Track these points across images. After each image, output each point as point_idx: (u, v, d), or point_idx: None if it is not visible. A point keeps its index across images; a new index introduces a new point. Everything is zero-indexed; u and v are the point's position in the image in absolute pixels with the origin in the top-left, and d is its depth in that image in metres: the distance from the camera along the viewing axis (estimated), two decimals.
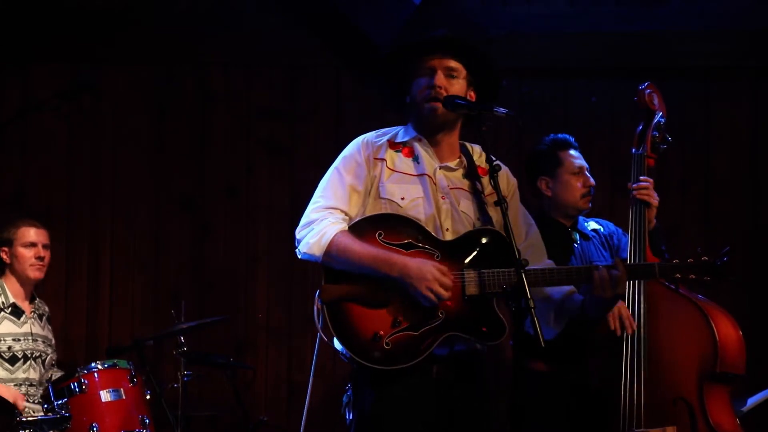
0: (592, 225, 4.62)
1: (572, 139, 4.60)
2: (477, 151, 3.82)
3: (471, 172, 3.74)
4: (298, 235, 3.60)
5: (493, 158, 3.57)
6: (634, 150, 4.34)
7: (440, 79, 3.63)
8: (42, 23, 6.27)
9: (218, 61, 6.41)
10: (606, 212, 4.87)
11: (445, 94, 3.63)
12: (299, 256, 3.61)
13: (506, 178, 3.78)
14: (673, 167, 5.99)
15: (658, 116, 4.36)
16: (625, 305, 4.11)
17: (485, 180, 3.74)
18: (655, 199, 4.25)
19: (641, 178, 4.28)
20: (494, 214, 3.69)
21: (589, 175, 4.54)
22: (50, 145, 6.36)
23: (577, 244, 4.49)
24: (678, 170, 6.07)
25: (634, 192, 4.25)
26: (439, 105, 3.63)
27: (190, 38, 6.36)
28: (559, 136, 4.61)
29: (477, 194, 3.71)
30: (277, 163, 6.34)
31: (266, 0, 6.40)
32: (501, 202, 3.48)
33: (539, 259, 3.69)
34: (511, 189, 3.77)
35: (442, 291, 3.45)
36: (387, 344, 3.46)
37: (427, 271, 3.45)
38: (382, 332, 3.47)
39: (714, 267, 3.66)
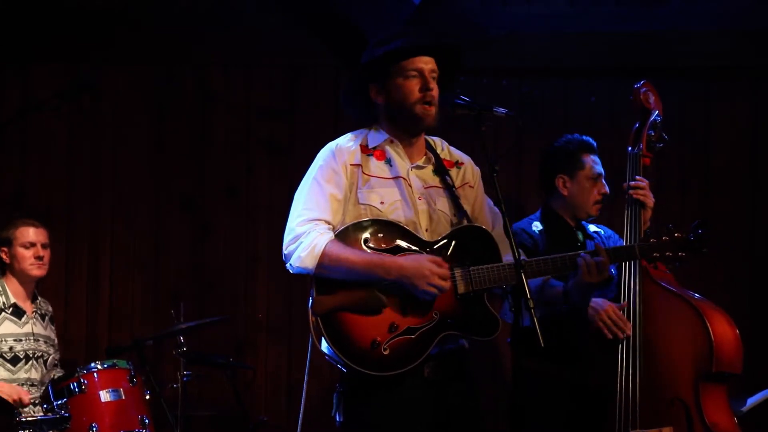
0: (592, 228, 4.63)
1: (595, 144, 4.59)
2: (439, 144, 3.84)
3: (439, 167, 3.76)
4: (286, 251, 3.59)
5: (494, 164, 3.56)
6: (629, 149, 4.34)
7: (432, 82, 3.64)
8: (42, 23, 6.27)
9: (218, 61, 6.41)
10: (605, 212, 4.86)
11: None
12: (291, 271, 3.59)
13: (471, 168, 3.82)
14: (672, 167, 5.99)
15: (654, 115, 4.36)
16: (614, 306, 4.10)
17: (453, 172, 3.78)
18: (650, 200, 4.24)
19: (637, 177, 4.27)
20: (468, 206, 3.73)
21: (604, 182, 4.53)
22: (50, 145, 6.36)
23: (579, 243, 4.49)
24: (678, 170, 6.07)
25: (630, 192, 4.25)
26: (434, 108, 3.64)
27: (190, 38, 6.36)
28: (585, 138, 4.58)
29: (449, 189, 3.73)
30: (277, 163, 6.34)
31: (266, 0, 6.40)
32: (500, 203, 3.49)
33: (505, 251, 3.67)
34: (475, 179, 3.80)
35: (442, 283, 3.47)
36: (385, 350, 3.48)
37: (424, 267, 3.47)
38: (379, 339, 3.48)
39: (688, 242, 3.81)
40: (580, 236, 4.52)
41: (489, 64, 5.83)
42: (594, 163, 4.52)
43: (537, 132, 5.37)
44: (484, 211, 3.80)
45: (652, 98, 4.39)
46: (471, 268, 3.55)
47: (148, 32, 6.34)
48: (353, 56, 6.17)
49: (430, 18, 5.91)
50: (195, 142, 6.37)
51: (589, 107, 6.19)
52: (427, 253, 3.56)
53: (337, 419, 3.68)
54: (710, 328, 4.02)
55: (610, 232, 4.63)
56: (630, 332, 4.08)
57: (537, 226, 4.47)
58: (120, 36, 6.33)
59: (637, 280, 4.13)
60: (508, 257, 3.69)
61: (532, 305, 3.31)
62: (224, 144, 6.37)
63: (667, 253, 3.82)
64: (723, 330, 4.06)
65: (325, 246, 3.50)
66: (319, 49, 6.37)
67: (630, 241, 4.18)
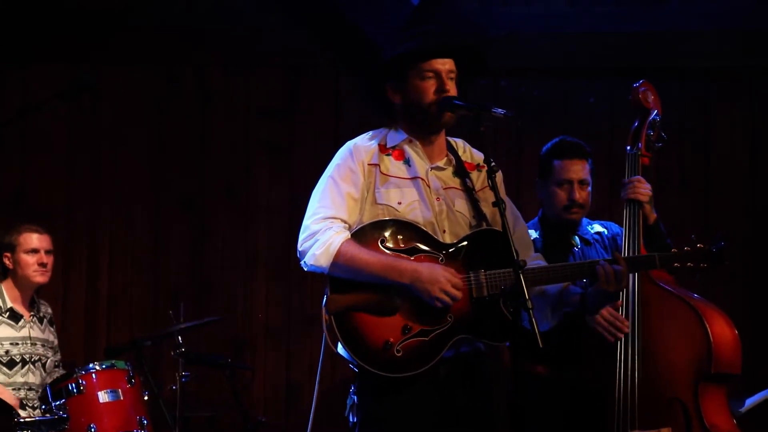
0: (596, 228, 4.58)
1: (578, 147, 4.47)
2: (461, 146, 3.81)
3: (459, 169, 3.74)
4: (300, 248, 3.56)
5: (491, 160, 3.55)
6: (628, 148, 4.31)
7: (448, 83, 3.62)
8: (42, 23, 6.27)
9: (218, 62, 6.42)
10: (605, 213, 4.86)
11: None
12: (305, 269, 3.56)
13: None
14: (672, 167, 5.99)
15: (653, 114, 4.32)
16: (608, 308, 4.09)
17: (474, 175, 3.75)
18: (642, 195, 4.21)
19: (628, 179, 4.25)
20: (487, 210, 3.69)
21: (578, 188, 4.41)
22: (50, 145, 6.36)
23: (577, 248, 4.46)
24: (677, 170, 6.07)
25: (623, 194, 4.23)
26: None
27: (190, 38, 6.36)
28: (565, 141, 4.50)
29: (469, 192, 3.71)
30: (277, 163, 6.34)
31: (266, 0, 6.40)
32: (499, 203, 3.46)
33: (526, 254, 3.66)
34: (498, 181, 3.75)
35: (455, 292, 3.45)
36: (398, 351, 3.45)
37: (439, 275, 3.44)
38: (392, 339, 3.46)
39: (710, 253, 3.78)
40: (577, 240, 4.49)
41: (487, 62, 5.81)
42: (564, 168, 4.41)
43: (536, 132, 5.35)
44: (506, 214, 3.75)
45: (651, 97, 4.36)
46: (487, 272, 3.54)
47: (148, 32, 6.35)
48: (353, 56, 6.24)
49: (430, 18, 5.91)
50: (195, 143, 6.38)
51: (588, 108, 6.19)
52: (444, 254, 3.55)
53: (350, 419, 3.67)
54: (709, 329, 4.01)
55: (616, 229, 4.58)
56: (627, 329, 4.07)
57: (531, 234, 4.44)
58: (120, 36, 6.33)
59: (636, 281, 4.12)
60: (537, 262, 3.69)
61: (530, 306, 3.29)
62: (224, 144, 6.37)
63: (688, 264, 3.78)
64: (722, 331, 4.04)
65: (341, 245, 3.48)
66: (319, 49, 6.37)
67: (630, 241, 4.15)
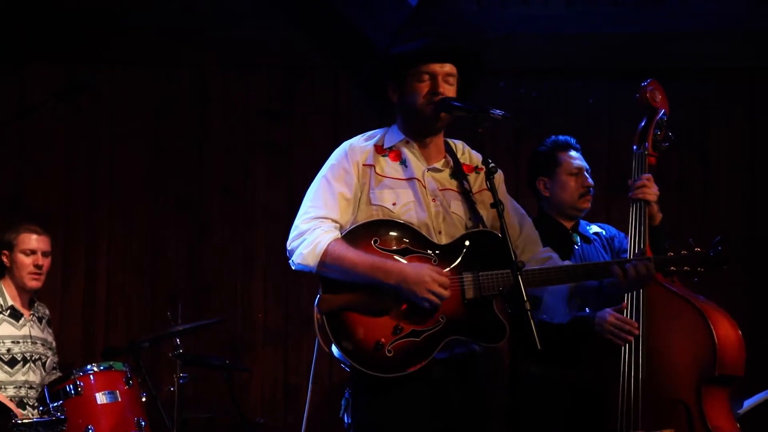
0: (594, 228, 4.60)
1: (573, 141, 4.58)
2: (460, 148, 3.81)
3: (457, 171, 3.73)
4: (289, 246, 3.57)
5: (489, 160, 3.55)
6: (635, 147, 4.28)
7: (443, 86, 3.62)
8: (40, 24, 6.27)
9: (216, 63, 6.41)
10: (602, 213, 4.86)
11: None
12: (293, 267, 3.57)
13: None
14: (670, 168, 5.98)
15: (661, 113, 4.30)
16: (614, 313, 4.09)
17: (472, 177, 3.75)
18: (652, 195, 4.20)
19: (637, 177, 4.24)
20: (485, 212, 3.69)
21: (587, 175, 4.52)
22: (48, 147, 6.35)
23: (577, 246, 4.47)
24: (675, 171, 6.07)
25: (632, 193, 4.21)
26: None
27: (189, 39, 6.36)
28: (560, 137, 4.59)
29: (466, 194, 3.70)
30: (275, 164, 6.33)
31: (265, 2, 6.39)
32: (497, 204, 3.46)
33: (535, 250, 3.68)
34: (497, 182, 3.74)
35: (442, 291, 3.44)
36: (389, 351, 3.45)
37: (425, 274, 3.44)
38: (383, 340, 3.46)
39: (708, 257, 3.73)
40: (577, 239, 4.50)
41: (486, 65, 5.82)
42: (572, 158, 4.51)
43: (535, 134, 5.33)
44: (509, 214, 3.73)
45: (658, 96, 4.35)
46: (480, 273, 3.53)
47: (147, 34, 6.34)
48: (352, 58, 6.24)
49: (429, 19, 5.90)
50: (193, 144, 6.37)
51: (586, 108, 6.18)
52: (437, 255, 3.54)
53: (345, 420, 3.66)
54: (714, 331, 3.98)
55: (613, 231, 4.60)
56: (637, 331, 4.06)
57: None
58: (118, 37, 6.33)
59: None
60: (548, 254, 3.71)
61: (528, 307, 3.28)
62: (222, 145, 6.36)
63: (685, 268, 3.74)
64: (726, 333, 4.01)
65: (328, 244, 3.48)
66: (317, 51, 6.37)
67: (636, 241, 4.14)
